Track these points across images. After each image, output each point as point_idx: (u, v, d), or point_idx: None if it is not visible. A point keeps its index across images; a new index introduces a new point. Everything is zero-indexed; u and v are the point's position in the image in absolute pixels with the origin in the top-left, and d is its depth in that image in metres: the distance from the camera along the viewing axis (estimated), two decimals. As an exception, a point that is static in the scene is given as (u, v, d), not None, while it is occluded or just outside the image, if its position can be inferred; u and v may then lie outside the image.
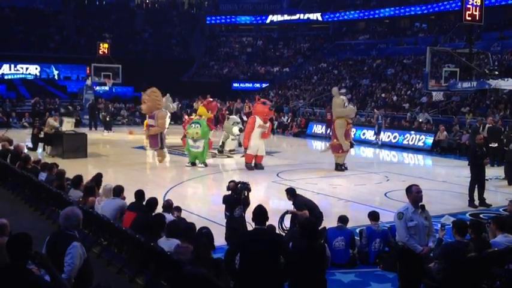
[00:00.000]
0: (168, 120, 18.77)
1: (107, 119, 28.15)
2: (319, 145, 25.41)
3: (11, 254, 4.24)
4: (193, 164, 17.08)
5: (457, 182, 15.01)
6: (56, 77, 43.31)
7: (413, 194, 6.36)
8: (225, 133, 20.30)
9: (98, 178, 10.39)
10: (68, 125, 19.42)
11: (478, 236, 6.74)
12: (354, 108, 17.60)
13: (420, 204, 6.33)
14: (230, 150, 20.26)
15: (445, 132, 21.80)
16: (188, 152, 17.29)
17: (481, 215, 10.88)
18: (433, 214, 6.86)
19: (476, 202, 12.12)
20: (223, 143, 20.21)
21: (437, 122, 24.28)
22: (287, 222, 8.87)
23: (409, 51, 38.11)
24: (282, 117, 30.88)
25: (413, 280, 6.32)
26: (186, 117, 22.57)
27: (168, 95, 21.89)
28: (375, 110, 27.09)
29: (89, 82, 31.73)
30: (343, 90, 20.27)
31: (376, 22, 45.62)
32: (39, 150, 19.77)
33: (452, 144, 21.34)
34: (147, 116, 19.10)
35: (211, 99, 22.64)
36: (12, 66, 41.27)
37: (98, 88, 35.46)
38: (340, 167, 16.84)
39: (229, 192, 8.92)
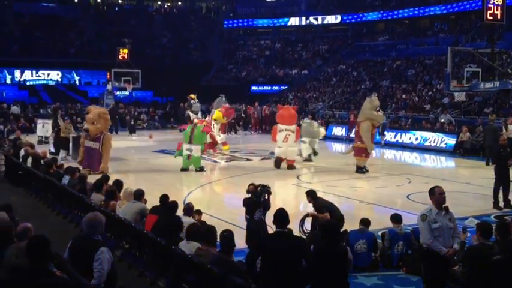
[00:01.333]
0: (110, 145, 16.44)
1: (132, 122, 28.72)
2: (339, 147, 25.26)
3: (30, 256, 4.27)
4: (186, 169, 16.83)
5: (481, 183, 14.78)
6: (77, 82, 43.82)
7: (436, 195, 6.27)
8: (306, 138, 19.04)
9: (118, 183, 10.46)
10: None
11: (504, 238, 6.58)
12: (382, 115, 17.44)
13: (444, 205, 6.23)
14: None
15: (467, 133, 21.48)
16: (180, 156, 17.13)
17: (506, 217, 10.68)
18: (456, 216, 6.74)
19: (501, 204, 11.91)
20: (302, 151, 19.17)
21: (459, 123, 23.96)
22: (308, 225, 8.81)
23: (429, 51, 37.72)
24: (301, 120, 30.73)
25: (438, 283, 6.21)
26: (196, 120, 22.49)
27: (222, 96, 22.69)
28: (380, 110, 26.95)
29: (109, 87, 32.01)
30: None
31: (396, 23, 45.26)
32: (62, 154, 19.95)
33: (475, 146, 21.02)
34: (88, 137, 16.52)
35: (229, 106, 22.95)
36: (34, 72, 41.85)
37: (118, 93, 35.74)
38: (361, 170, 16.69)
39: (249, 195, 8.89)
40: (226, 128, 24.05)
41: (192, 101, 23.60)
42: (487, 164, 17.79)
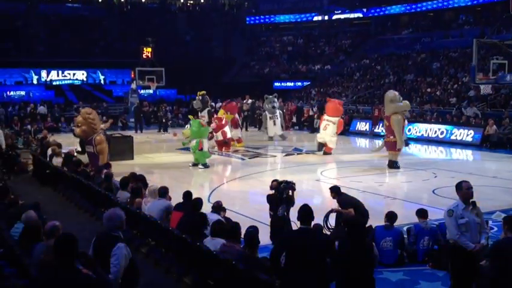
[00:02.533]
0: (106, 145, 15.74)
1: (163, 120, 29.06)
2: (363, 142, 25.09)
3: (57, 254, 4.34)
4: (195, 164, 17.03)
5: (508, 177, 14.54)
6: (102, 81, 44.33)
7: (464, 190, 6.19)
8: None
9: (143, 179, 10.59)
10: None
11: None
12: (408, 103, 17.12)
13: (471, 200, 6.15)
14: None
15: (494, 126, 21.13)
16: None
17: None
18: (483, 211, 6.64)
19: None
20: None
21: (486, 116, 23.56)
22: (332, 221, 8.78)
23: (454, 44, 37.16)
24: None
25: (466, 279, 6.14)
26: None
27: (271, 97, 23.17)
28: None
29: (133, 86, 32.33)
30: None
31: (420, 15, 44.68)
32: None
33: (502, 139, 20.67)
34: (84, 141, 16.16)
35: (230, 100, 23.18)
36: (60, 72, 42.45)
37: (142, 91, 36.08)
38: (395, 165, 16.37)
39: (273, 191, 8.90)
40: (239, 123, 23.99)
41: (198, 97, 23.48)
42: None
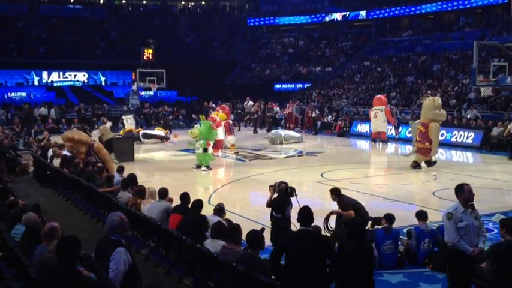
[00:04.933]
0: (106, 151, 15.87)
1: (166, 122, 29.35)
2: (363, 144, 25.10)
3: (60, 256, 4.35)
4: (198, 166, 17.05)
5: (508, 179, 14.55)
6: (102, 83, 44.28)
7: (466, 193, 6.17)
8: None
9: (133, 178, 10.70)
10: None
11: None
12: (445, 112, 17.57)
13: (470, 203, 6.15)
14: None
15: (496, 128, 21.14)
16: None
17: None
18: (483, 213, 6.66)
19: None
20: None
21: (486, 118, 23.56)
22: (332, 223, 8.79)
23: (455, 46, 37.14)
24: (326, 117, 30.67)
25: (464, 282, 6.14)
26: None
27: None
28: (392, 106, 26.97)
29: (134, 87, 32.34)
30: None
31: (421, 18, 44.69)
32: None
33: (502, 141, 20.68)
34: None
35: (224, 105, 23.41)
36: (61, 73, 42.40)
37: (143, 93, 36.08)
38: (432, 163, 16.76)
39: (275, 195, 8.84)
40: (232, 129, 23.76)
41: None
42: (510, 158, 17.66)
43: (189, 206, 8.38)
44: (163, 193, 9.14)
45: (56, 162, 14.66)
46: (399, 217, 8.79)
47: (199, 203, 8.21)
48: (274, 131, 26.33)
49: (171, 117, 33.23)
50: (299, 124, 30.71)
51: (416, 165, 16.58)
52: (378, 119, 23.48)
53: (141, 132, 24.78)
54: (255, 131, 29.22)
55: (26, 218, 6.86)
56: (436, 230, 8.36)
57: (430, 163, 16.65)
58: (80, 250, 4.41)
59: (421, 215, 8.45)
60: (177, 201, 9.01)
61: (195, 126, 17.13)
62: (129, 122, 25.75)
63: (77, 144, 15.01)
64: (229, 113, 24.04)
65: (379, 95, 25.92)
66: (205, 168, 16.85)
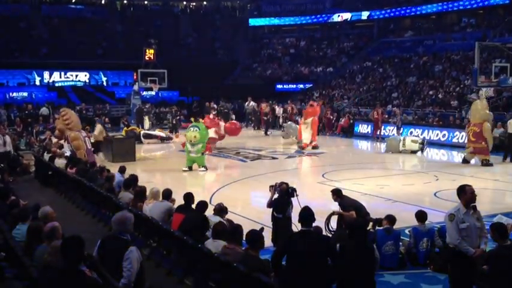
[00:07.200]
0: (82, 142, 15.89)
1: (174, 122, 29.47)
2: (364, 145, 25.09)
3: (65, 256, 4.34)
4: (190, 168, 16.82)
5: (510, 180, 14.53)
6: (104, 83, 44.33)
7: (468, 194, 6.15)
8: None
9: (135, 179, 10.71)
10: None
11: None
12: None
13: (472, 204, 6.14)
14: None
15: (498, 129, 21.10)
16: (186, 155, 16.98)
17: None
18: (485, 214, 6.64)
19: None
20: None
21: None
22: (333, 224, 8.78)
23: (457, 47, 37.13)
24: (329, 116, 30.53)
25: (466, 284, 6.13)
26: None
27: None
28: (393, 108, 26.97)
29: (136, 87, 32.34)
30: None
31: (422, 18, 44.65)
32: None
33: (504, 141, 20.63)
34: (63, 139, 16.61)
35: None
36: (63, 73, 42.45)
37: (144, 93, 36.09)
38: (488, 162, 17.20)
39: (276, 195, 8.84)
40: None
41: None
42: (504, 159, 17.76)
43: (193, 206, 8.37)
44: (168, 194, 9.13)
45: (58, 162, 14.67)
46: (400, 218, 8.78)
47: (204, 204, 8.20)
48: (286, 124, 26.69)
49: (178, 117, 33.26)
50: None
51: (486, 163, 17.18)
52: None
53: (141, 133, 24.83)
54: (266, 133, 29.27)
55: (43, 212, 6.86)
56: (434, 228, 8.37)
57: (488, 163, 17.06)
58: (83, 250, 4.42)
59: (420, 216, 8.44)
60: (179, 202, 9.00)
61: (191, 129, 16.78)
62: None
63: (62, 121, 15.66)
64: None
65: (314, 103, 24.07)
66: (202, 169, 16.83)
